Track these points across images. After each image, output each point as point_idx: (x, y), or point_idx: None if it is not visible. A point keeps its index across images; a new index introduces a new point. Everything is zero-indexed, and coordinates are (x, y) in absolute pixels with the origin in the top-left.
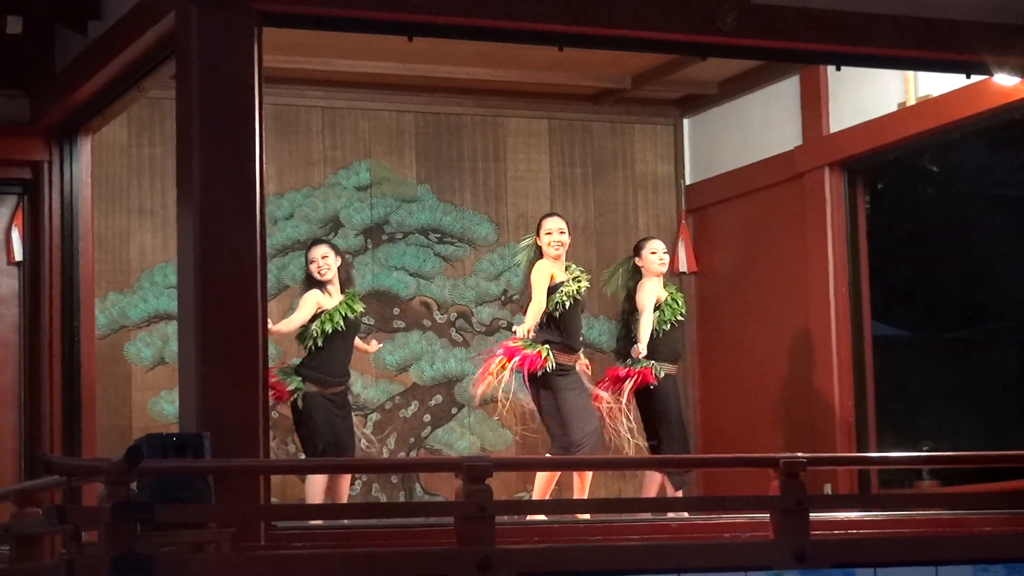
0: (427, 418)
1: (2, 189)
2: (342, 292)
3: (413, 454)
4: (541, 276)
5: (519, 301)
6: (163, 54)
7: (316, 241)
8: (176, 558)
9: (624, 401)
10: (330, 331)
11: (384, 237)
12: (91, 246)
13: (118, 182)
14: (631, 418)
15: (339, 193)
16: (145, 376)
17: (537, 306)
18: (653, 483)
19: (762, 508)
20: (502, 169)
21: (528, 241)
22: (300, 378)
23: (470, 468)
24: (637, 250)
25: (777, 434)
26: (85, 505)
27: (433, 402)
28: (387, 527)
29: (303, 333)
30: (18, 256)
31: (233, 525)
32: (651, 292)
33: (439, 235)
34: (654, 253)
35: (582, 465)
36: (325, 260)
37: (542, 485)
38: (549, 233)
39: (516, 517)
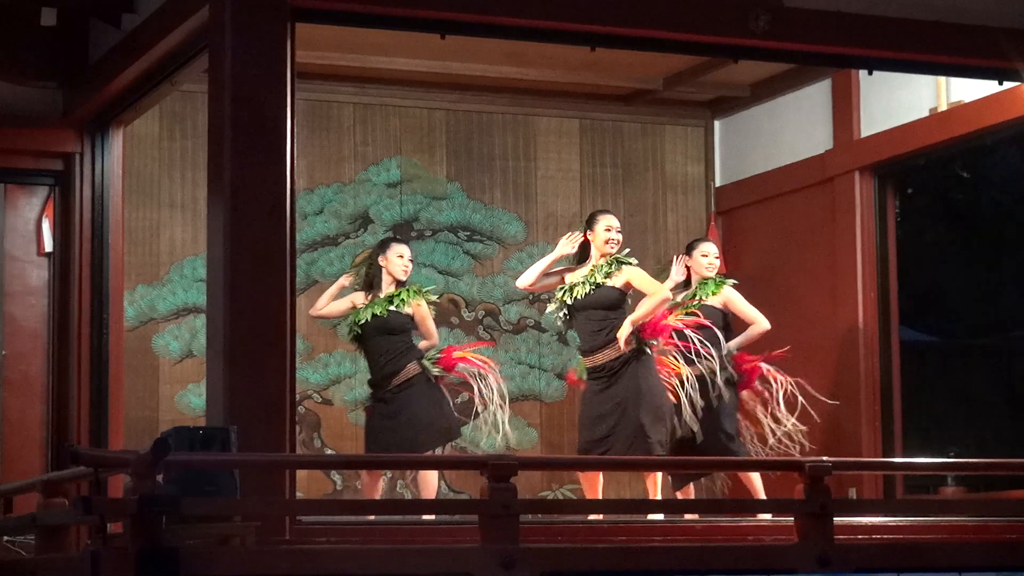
0: None
1: (34, 180)
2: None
3: (438, 451)
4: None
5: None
6: (196, 48)
7: (396, 240)
8: (201, 551)
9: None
10: (355, 335)
11: (413, 234)
12: (121, 238)
13: (149, 175)
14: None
15: (369, 189)
16: (173, 369)
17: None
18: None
19: (786, 511)
20: (532, 168)
21: (576, 236)
22: None
23: (495, 466)
24: (688, 250)
25: (803, 437)
26: (111, 497)
27: (459, 399)
28: (412, 524)
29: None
30: (48, 247)
31: (258, 519)
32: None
33: (468, 233)
34: (705, 256)
35: (606, 465)
36: (410, 262)
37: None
38: (608, 230)
39: (540, 516)
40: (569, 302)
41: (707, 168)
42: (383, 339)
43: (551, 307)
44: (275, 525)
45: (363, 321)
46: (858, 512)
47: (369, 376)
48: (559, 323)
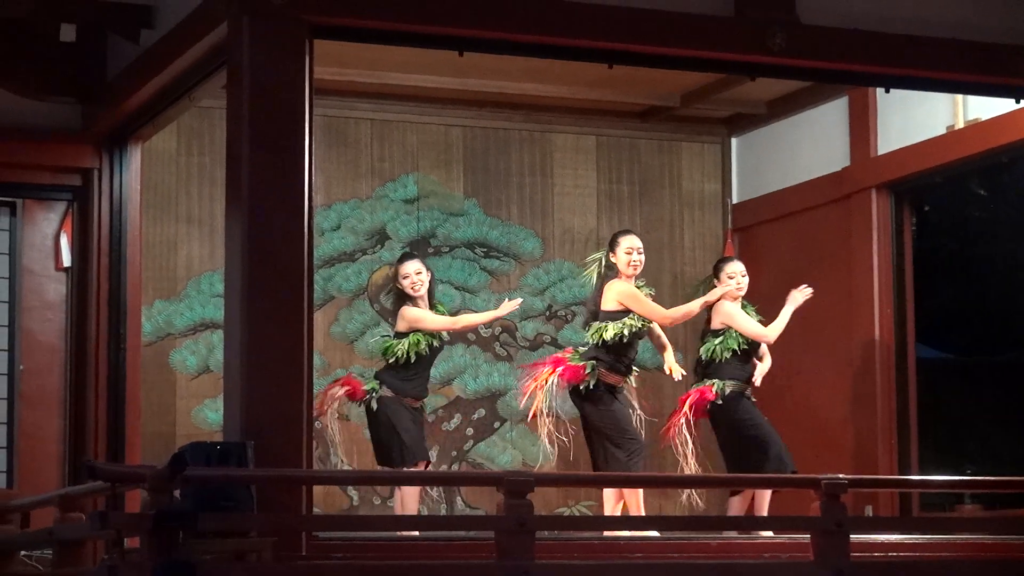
0: (469, 431)
1: (52, 195)
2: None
3: (455, 467)
4: (638, 298)
5: (585, 319)
6: (214, 64)
7: (406, 256)
8: (217, 566)
9: (687, 420)
10: (416, 355)
11: (430, 250)
12: (139, 253)
13: (167, 190)
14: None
15: (386, 205)
16: (190, 384)
17: (658, 316)
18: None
19: (803, 528)
20: (549, 184)
21: (598, 256)
22: (377, 381)
23: (511, 482)
24: (716, 271)
25: (819, 454)
26: (128, 511)
27: (476, 416)
28: (428, 540)
29: (387, 349)
30: (66, 262)
31: (274, 534)
32: (733, 308)
33: (485, 249)
34: (731, 277)
35: (623, 482)
36: (419, 276)
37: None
38: (629, 252)
39: (556, 532)
40: (642, 331)
41: (724, 185)
42: (430, 364)
43: (625, 329)
44: (291, 540)
45: (435, 344)
46: (874, 530)
47: (404, 382)
48: (621, 339)
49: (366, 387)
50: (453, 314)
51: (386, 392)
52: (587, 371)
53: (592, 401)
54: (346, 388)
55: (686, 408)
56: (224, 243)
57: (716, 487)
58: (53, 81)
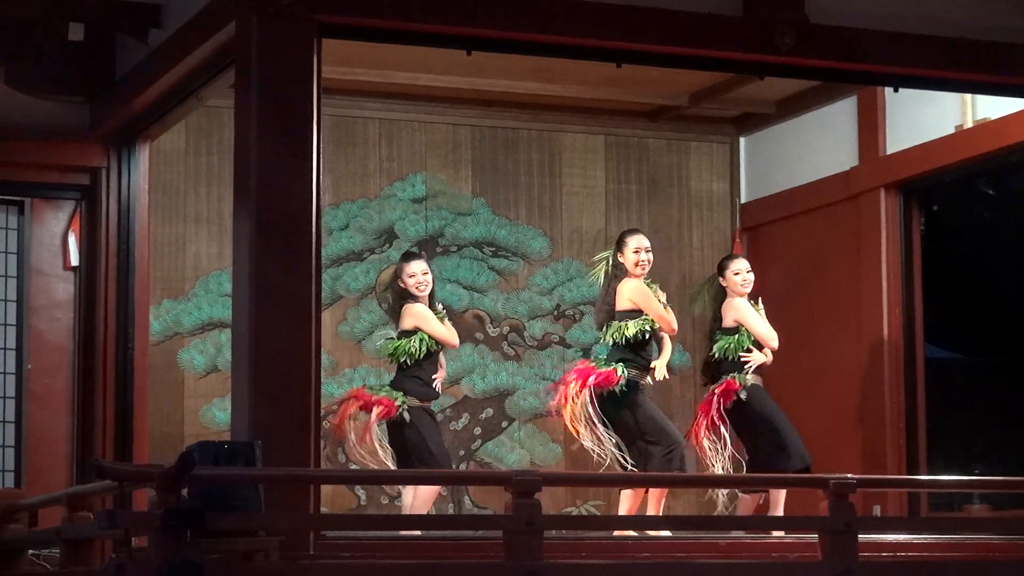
0: (477, 431)
1: (60, 195)
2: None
3: (463, 467)
4: (650, 298)
5: (596, 318)
6: (223, 63)
7: (412, 255)
8: (225, 565)
9: (718, 414)
10: (426, 350)
11: (438, 250)
12: (147, 253)
13: (175, 189)
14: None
15: (394, 205)
16: (198, 383)
17: (665, 323)
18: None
19: (811, 528)
20: (557, 184)
21: (605, 255)
22: (402, 392)
23: (519, 482)
24: (721, 269)
25: (828, 454)
26: (136, 511)
27: (484, 415)
28: (436, 539)
29: (397, 349)
30: (74, 262)
31: (282, 533)
32: (745, 306)
33: (493, 249)
34: (737, 274)
35: (632, 481)
36: (426, 276)
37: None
38: (637, 252)
39: (564, 532)
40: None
41: (732, 185)
42: (437, 359)
43: (644, 326)
44: (299, 540)
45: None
46: (882, 530)
47: (425, 387)
48: (643, 335)
49: (397, 402)
50: (462, 313)
51: (413, 402)
52: (619, 373)
53: (628, 405)
54: (379, 409)
55: (715, 405)
56: (232, 242)
57: (726, 487)
58: (61, 80)
